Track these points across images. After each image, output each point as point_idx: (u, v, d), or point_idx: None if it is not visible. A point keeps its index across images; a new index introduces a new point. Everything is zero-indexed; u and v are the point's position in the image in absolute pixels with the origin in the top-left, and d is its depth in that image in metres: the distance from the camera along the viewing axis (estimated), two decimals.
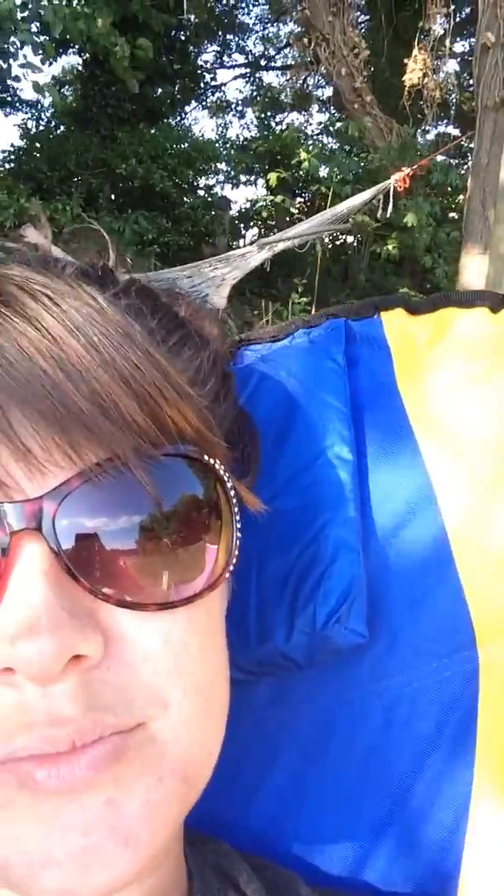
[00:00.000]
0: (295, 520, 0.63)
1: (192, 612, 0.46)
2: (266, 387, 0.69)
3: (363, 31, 11.79)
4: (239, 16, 15.83)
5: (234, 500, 0.49)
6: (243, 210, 12.49)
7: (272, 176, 10.28)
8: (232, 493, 0.49)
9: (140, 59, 8.88)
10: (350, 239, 12.08)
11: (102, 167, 10.84)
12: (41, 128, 12.47)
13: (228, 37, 15.91)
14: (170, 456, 0.45)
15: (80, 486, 0.42)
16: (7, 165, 11.69)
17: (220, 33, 15.55)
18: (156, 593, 0.44)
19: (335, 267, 11.98)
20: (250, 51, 16.33)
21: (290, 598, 0.61)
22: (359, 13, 12.92)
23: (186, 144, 11.72)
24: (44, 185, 10.48)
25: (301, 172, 10.05)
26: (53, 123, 12.54)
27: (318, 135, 12.41)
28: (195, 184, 12.27)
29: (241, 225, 12.45)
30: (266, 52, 16.16)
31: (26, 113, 13.07)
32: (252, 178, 13.32)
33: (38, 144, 11.78)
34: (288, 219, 10.68)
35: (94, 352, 0.43)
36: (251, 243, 7.72)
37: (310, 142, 11.38)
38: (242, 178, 13.41)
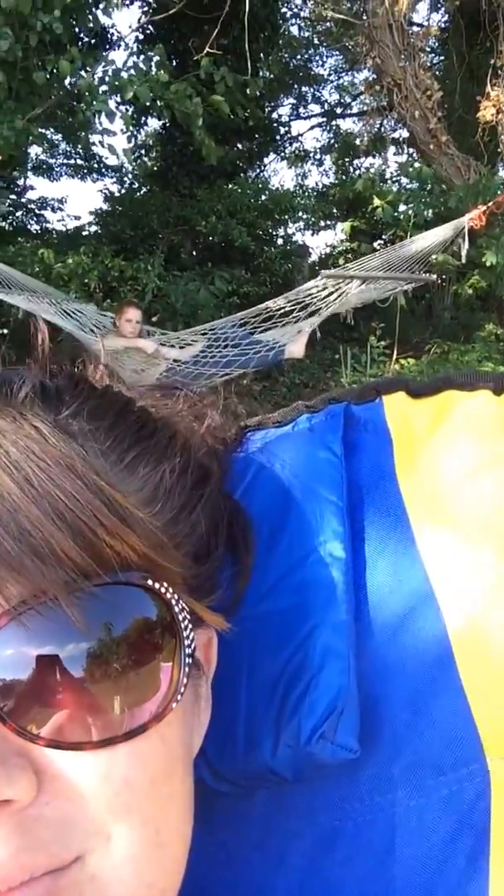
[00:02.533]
0: (285, 622, 0.60)
1: (138, 745, 0.44)
2: (262, 479, 0.67)
3: (436, 70, 11.80)
4: (314, 68, 16.18)
5: (186, 623, 0.47)
6: (323, 256, 12.57)
7: (345, 225, 10.31)
8: (183, 616, 0.47)
9: (215, 118, 9.13)
10: (433, 277, 11.94)
11: (183, 225, 11.15)
12: (124, 191, 12.95)
13: (304, 89, 16.24)
14: (106, 585, 0.43)
15: (8, 625, 0.41)
16: (92, 229, 12.20)
17: (295, 86, 15.89)
18: (98, 726, 0.42)
19: (418, 306, 11.86)
20: (326, 100, 16.63)
21: (277, 707, 0.57)
22: (431, 54, 12.98)
23: (264, 197, 11.92)
24: (127, 246, 10.84)
25: (375, 218, 10.05)
26: (136, 186, 13.01)
27: (396, 177, 12.40)
28: (274, 234, 12.42)
29: (322, 271, 12.50)
30: (342, 101, 16.40)
31: (111, 178, 13.67)
32: (332, 223, 13.43)
33: (120, 207, 12.25)
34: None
35: (28, 487, 0.42)
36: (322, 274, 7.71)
37: (387, 185, 11.36)
38: (322, 223, 13.54)
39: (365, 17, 9.59)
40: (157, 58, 8.90)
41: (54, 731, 0.41)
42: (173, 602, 0.46)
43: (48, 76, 7.71)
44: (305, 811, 0.61)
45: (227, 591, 0.58)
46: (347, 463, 0.67)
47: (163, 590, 0.46)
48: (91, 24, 9.61)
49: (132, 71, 8.60)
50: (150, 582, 0.45)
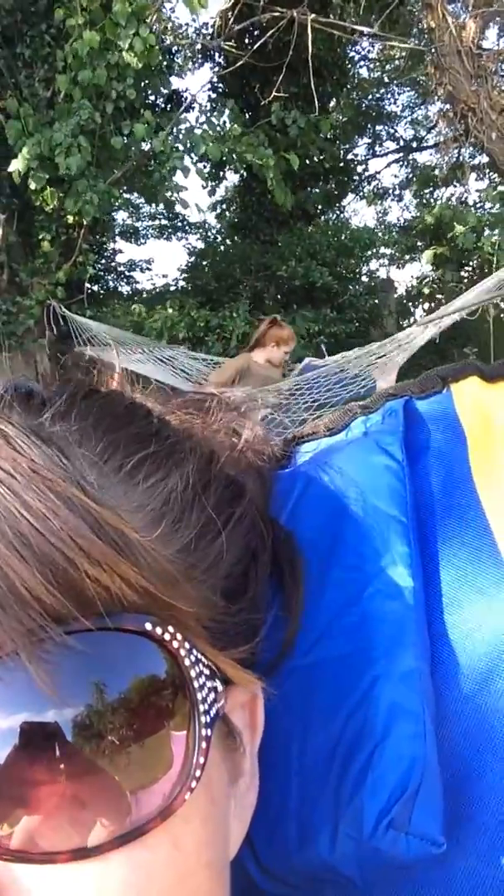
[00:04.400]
0: (341, 673, 0.47)
1: (137, 855, 0.32)
2: (312, 496, 0.55)
3: None
4: (386, 106, 16.25)
5: (202, 681, 0.36)
6: (410, 289, 12.44)
7: (428, 254, 10.18)
8: (198, 670, 0.36)
9: (291, 167, 9.23)
10: None
11: (265, 271, 11.27)
12: (207, 245, 13.25)
13: (378, 128, 16.31)
14: (86, 633, 0.33)
15: None
16: (179, 284, 12.51)
17: (369, 126, 15.98)
18: (82, 827, 0.32)
19: None
20: (401, 136, 16.63)
21: (334, 785, 0.44)
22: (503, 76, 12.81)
23: (345, 236, 11.92)
24: (213, 297, 11.04)
25: (458, 245, 9.87)
26: (218, 239, 13.30)
27: (479, 203, 12.19)
28: (357, 271, 12.39)
29: (409, 304, 12.38)
30: (417, 135, 16.38)
31: (194, 234, 14.03)
32: (417, 255, 13.29)
33: (204, 261, 12.54)
34: (458, 290, 10.45)
35: None
36: (418, 322, 7.52)
37: (471, 211, 11.17)
38: (406, 257, 13.42)
39: (433, 50, 9.56)
40: (227, 111, 9.14)
41: (23, 837, 0.31)
42: (182, 653, 0.36)
43: (125, 141, 7.98)
44: None
45: (271, 639, 0.47)
46: (412, 469, 0.55)
47: (167, 636, 0.35)
48: (163, 88, 9.99)
49: (205, 126, 8.84)
50: (148, 626, 0.35)
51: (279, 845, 0.45)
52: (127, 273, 14.57)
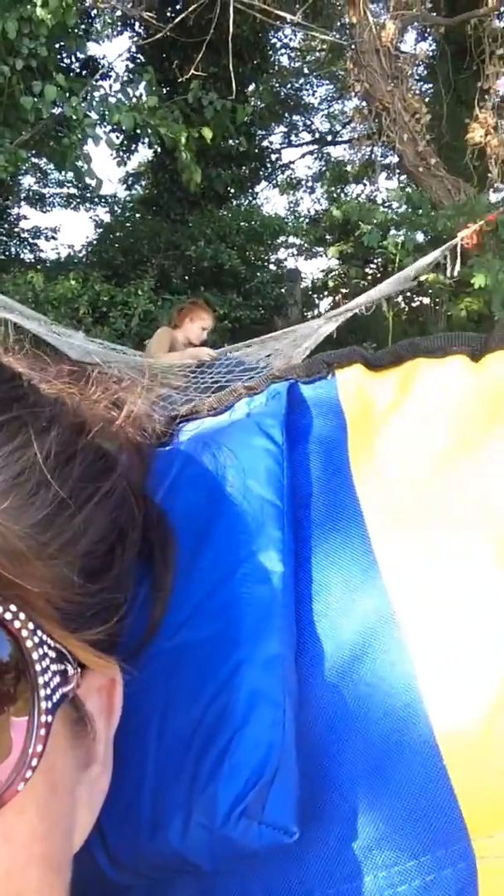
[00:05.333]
0: (204, 657, 0.45)
1: None
2: (189, 475, 0.54)
3: (424, 96, 11.88)
4: (304, 97, 16.33)
5: (46, 664, 0.35)
6: (316, 281, 12.59)
7: (334, 249, 10.35)
8: (41, 653, 0.35)
9: (205, 147, 9.14)
10: (427, 300, 11.93)
11: (174, 250, 11.16)
12: (116, 218, 13.01)
13: (295, 118, 16.38)
14: None
15: None
16: (85, 256, 12.23)
17: (286, 115, 16.03)
18: None
19: (412, 329, 11.81)
20: (317, 129, 16.77)
21: (190, 772, 0.42)
22: (419, 81, 13.10)
23: (255, 222, 11.93)
24: (119, 272, 10.84)
25: (364, 242, 10.05)
26: (127, 213, 13.07)
27: (387, 202, 12.42)
28: (266, 258, 12.44)
29: (315, 295, 12.54)
30: (332, 129, 16.54)
31: (103, 207, 13.72)
32: (324, 249, 13.45)
33: (111, 235, 12.31)
34: (361, 286, 10.64)
35: None
36: (323, 313, 7.60)
37: (378, 210, 11.37)
38: (314, 249, 13.57)
39: (353, 46, 9.66)
40: (144, 83, 8.96)
41: None
42: (24, 634, 0.34)
43: (34, 101, 7.70)
44: None
45: (139, 620, 0.45)
46: (292, 453, 0.54)
47: (8, 616, 0.33)
48: (78, 52, 9.71)
49: (120, 96, 8.63)
50: None
51: (130, 833, 0.43)
52: (31, 240, 14.13)
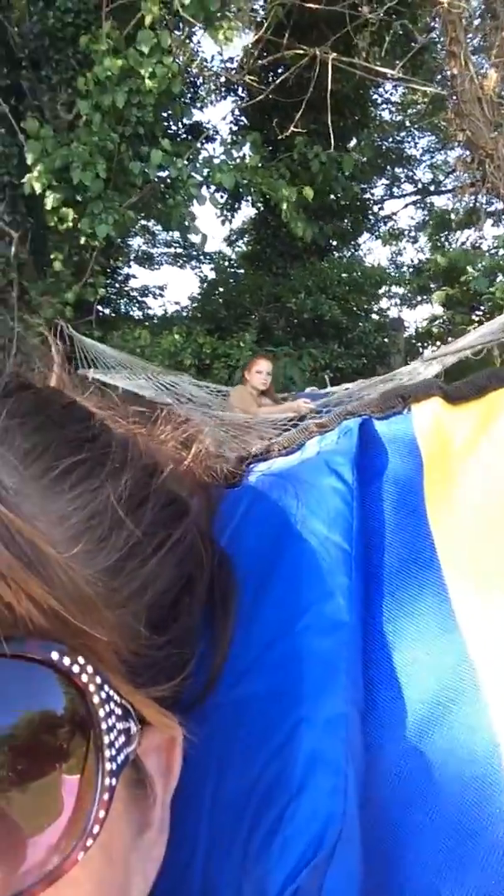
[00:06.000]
0: (263, 713, 0.41)
1: None
2: (254, 517, 0.50)
3: None
4: (406, 149, 16.43)
5: (112, 722, 0.31)
6: (420, 329, 12.47)
7: (439, 294, 10.26)
8: (108, 709, 0.31)
9: (307, 202, 9.28)
10: None
11: (276, 302, 11.33)
12: (220, 273, 13.34)
13: (397, 170, 16.48)
14: None
15: None
16: (189, 311, 12.58)
17: (388, 168, 16.15)
18: None
19: None
20: (419, 179, 16.81)
21: (242, 843, 0.38)
22: None
23: (357, 273, 11.96)
24: (222, 325, 11.08)
25: (470, 288, 9.91)
26: (231, 269, 13.39)
27: (493, 248, 12.23)
28: (368, 309, 12.44)
29: (419, 343, 12.40)
30: (435, 178, 16.53)
31: (208, 264, 14.13)
32: (429, 297, 13.34)
33: (215, 290, 12.63)
34: (468, 332, 10.44)
35: None
36: (423, 357, 7.49)
37: (485, 255, 11.22)
38: (419, 298, 13.48)
39: (454, 96, 9.66)
40: (248, 144, 9.23)
41: None
42: (91, 689, 0.31)
43: (142, 165, 8.04)
44: None
45: (197, 669, 0.42)
46: (364, 493, 0.50)
47: (75, 668, 0.30)
48: (184, 118, 10.13)
49: (223, 157, 8.91)
50: (55, 656, 0.30)
51: None
52: (139, 298, 14.67)
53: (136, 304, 14.76)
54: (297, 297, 11.12)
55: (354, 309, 11.79)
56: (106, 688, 0.32)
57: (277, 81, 9.07)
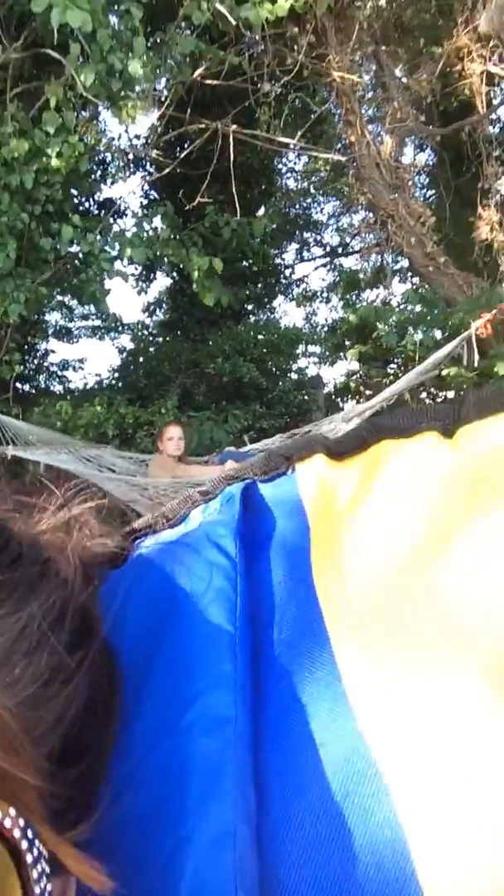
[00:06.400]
0: (146, 829, 0.38)
1: None
2: (135, 599, 0.47)
3: (428, 202, 12.30)
4: (313, 214, 17.01)
5: (43, 886, 0.28)
6: (339, 385, 12.72)
7: (353, 352, 10.55)
8: (39, 870, 0.28)
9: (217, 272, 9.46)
10: (451, 394, 11.94)
11: (195, 368, 11.42)
12: (139, 343, 13.41)
13: (306, 234, 17.01)
14: None
15: None
16: (110, 382, 12.56)
17: (296, 233, 16.65)
18: None
19: None
20: (327, 242, 17.37)
21: None
22: (422, 188, 13.60)
23: (273, 335, 12.20)
24: (143, 394, 11.09)
25: (382, 343, 10.20)
26: (150, 339, 13.48)
27: (402, 304, 12.66)
28: (286, 368, 12.65)
29: (339, 399, 12.62)
30: (343, 241, 17.11)
31: (127, 334, 14.17)
32: (345, 354, 13.67)
33: (135, 360, 12.70)
34: (384, 385, 10.69)
35: None
36: (345, 413, 7.64)
37: (394, 311, 11.58)
38: (336, 355, 13.80)
39: (354, 162, 10.09)
40: (159, 216, 9.40)
41: None
42: (24, 845, 0.28)
43: (53, 241, 8.08)
44: None
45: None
46: (249, 565, 0.48)
47: (8, 823, 0.27)
48: (94, 195, 10.28)
49: (135, 230, 9.04)
50: None
51: None
52: (59, 372, 14.55)
53: (57, 379, 14.65)
54: (215, 361, 11.22)
55: (273, 369, 11.96)
56: (37, 843, 0.28)
57: (182, 155, 9.31)
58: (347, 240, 16.84)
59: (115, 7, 7.06)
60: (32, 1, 6.16)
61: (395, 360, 11.05)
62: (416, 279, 12.88)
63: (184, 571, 0.47)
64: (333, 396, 12.71)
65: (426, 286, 10.98)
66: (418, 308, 10.93)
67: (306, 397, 11.99)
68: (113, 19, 7.00)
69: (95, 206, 11.16)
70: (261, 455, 0.55)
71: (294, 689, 0.42)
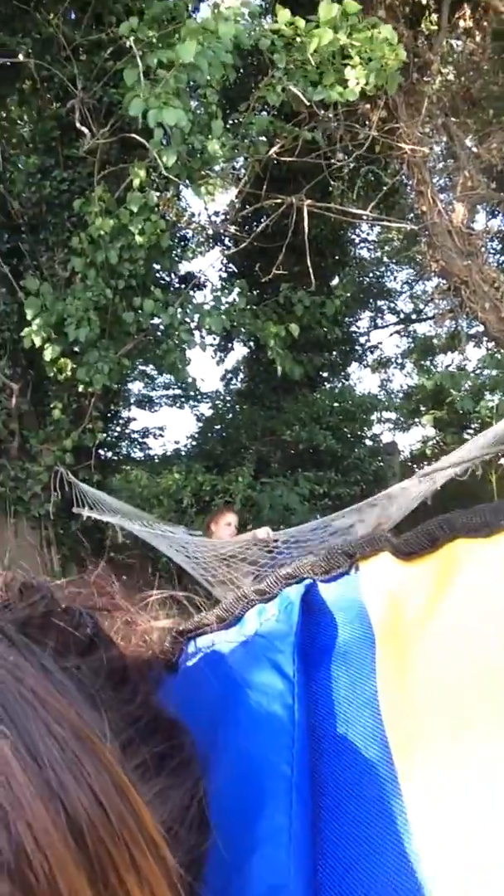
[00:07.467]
0: None
1: None
2: (185, 718, 0.44)
3: (501, 266, 12.31)
4: (386, 283, 17.21)
5: None
6: (414, 451, 12.63)
7: (428, 417, 10.49)
8: None
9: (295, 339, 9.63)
10: None
11: (271, 435, 11.53)
12: (216, 412, 13.66)
13: (380, 302, 17.20)
14: None
15: None
16: (188, 449, 12.79)
17: (370, 301, 16.85)
18: None
19: None
20: (401, 310, 17.49)
21: None
22: (496, 254, 13.62)
23: (348, 402, 12.27)
24: (220, 462, 11.22)
25: (458, 409, 10.14)
26: (227, 406, 13.72)
27: (478, 368, 12.59)
28: (361, 435, 12.65)
29: (414, 465, 12.51)
30: (416, 307, 17.22)
31: (206, 403, 14.49)
32: (420, 420, 13.64)
33: (212, 427, 12.91)
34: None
35: (35, 771, 0.26)
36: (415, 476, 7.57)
37: (469, 376, 11.53)
38: (410, 421, 13.76)
39: (426, 231, 10.24)
40: (237, 290, 9.69)
41: None
42: None
43: (135, 315, 8.41)
44: None
45: None
46: (309, 684, 0.44)
47: None
48: (175, 270, 10.69)
49: (213, 303, 9.34)
50: None
51: None
52: (140, 439, 14.94)
53: (138, 446, 15.03)
54: (291, 428, 11.34)
55: (348, 436, 11.98)
56: None
57: (259, 229, 9.62)
58: (421, 306, 16.94)
59: (194, 91, 7.47)
60: (130, 105, 6.56)
61: (472, 426, 10.95)
62: (490, 344, 12.81)
63: (239, 694, 0.44)
64: (409, 463, 12.62)
65: (502, 350, 10.92)
66: (494, 372, 10.85)
67: (382, 464, 11.94)
68: (192, 103, 7.39)
69: (176, 280, 11.58)
70: (322, 552, 0.51)
71: (358, 841, 0.39)
